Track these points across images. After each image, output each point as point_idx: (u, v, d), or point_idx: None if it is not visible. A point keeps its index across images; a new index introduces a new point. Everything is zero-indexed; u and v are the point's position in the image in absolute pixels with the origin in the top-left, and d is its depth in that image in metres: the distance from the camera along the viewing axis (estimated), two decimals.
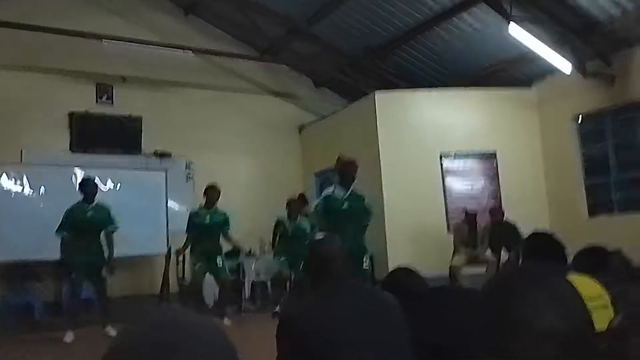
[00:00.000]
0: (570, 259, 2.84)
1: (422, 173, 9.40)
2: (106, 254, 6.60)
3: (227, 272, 7.54)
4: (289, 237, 7.76)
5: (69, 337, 6.22)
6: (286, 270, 7.82)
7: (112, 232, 6.64)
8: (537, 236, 2.76)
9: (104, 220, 6.58)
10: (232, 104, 10.91)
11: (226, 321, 6.99)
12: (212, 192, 7.20)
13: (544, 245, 2.65)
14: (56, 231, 6.40)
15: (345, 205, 5.93)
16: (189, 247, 7.28)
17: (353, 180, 6.07)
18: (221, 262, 7.30)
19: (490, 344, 0.93)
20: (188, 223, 7.21)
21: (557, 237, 2.68)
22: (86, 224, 6.44)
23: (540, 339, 0.88)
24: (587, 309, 0.94)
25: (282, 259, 7.67)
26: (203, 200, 7.30)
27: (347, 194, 5.97)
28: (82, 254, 6.35)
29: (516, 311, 0.91)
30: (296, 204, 7.89)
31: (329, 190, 6.11)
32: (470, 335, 1.16)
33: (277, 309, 7.30)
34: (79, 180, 7.15)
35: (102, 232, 6.67)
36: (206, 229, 7.12)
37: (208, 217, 7.16)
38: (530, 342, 0.88)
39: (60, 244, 6.43)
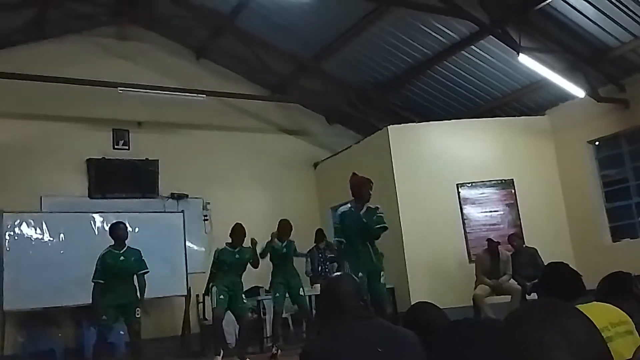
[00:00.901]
0: (594, 285, 2.79)
1: (440, 204, 9.35)
2: (139, 296, 6.61)
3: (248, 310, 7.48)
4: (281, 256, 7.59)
5: None
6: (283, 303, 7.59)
7: (144, 275, 6.68)
8: (553, 267, 2.73)
9: (136, 264, 6.62)
10: (246, 143, 11.01)
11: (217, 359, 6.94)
12: (239, 232, 7.20)
13: (560, 277, 2.61)
14: (93, 278, 6.40)
15: (362, 219, 6.02)
16: (213, 282, 7.20)
17: (369, 198, 6.10)
18: (246, 300, 7.31)
19: None
20: (215, 262, 7.18)
21: (572, 268, 2.65)
22: (120, 269, 6.47)
23: None
24: (603, 341, 0.90)
25: (277, 294, 7.46)
26: (230, 239, 7.25)
27: (364, 210, 6.08)
28: (117, 298, 6.39)
29: (531, 352, 0.88)
30: (284, 227, 7.70)
31: (345, 207, 6.20)
32: None
33: (274, 350, 7.16)
34: (100, 226, 7.20)
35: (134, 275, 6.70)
36: (233, 265, 7.12)
37: (235, 255, 7.15)
38: None
39: (93, 289, 6.42)
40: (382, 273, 6.09)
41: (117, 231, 6.65)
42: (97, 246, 6.84)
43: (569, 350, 0.87)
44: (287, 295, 7.40)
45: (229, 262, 7.11)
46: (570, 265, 2.90)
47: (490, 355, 1.11)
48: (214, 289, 7.04)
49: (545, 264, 2.80)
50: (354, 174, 6.41)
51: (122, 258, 6.53)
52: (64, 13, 9.33)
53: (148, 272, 6.69)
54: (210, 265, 7.25)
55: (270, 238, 7.42)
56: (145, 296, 6.62)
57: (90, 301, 6.44)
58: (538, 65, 8.14)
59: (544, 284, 2.80)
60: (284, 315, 8.91)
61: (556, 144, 9.80)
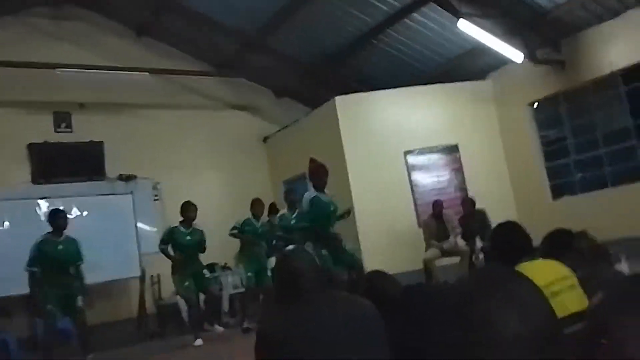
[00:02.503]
0: (538, 242, 2.93)
1: (388, 171, 9.51)
2: (79, 287, 6.45)
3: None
4: (258, 236, 7.65)
5: None
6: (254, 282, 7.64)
7: (79, 266, 6.50)
8: (502, 228, 2.84)
9: (73, 254, 6.44)
10: (195, 121, 10.86)
11: (217, 328, 7.02)
12: (190, 210, 7.09)
13: (509, 236, 2.73)
14: (27, 266, 6.20)
15: (331, 207, 6.21)
16: (171, 265, 7.11)
17: (325, 185, 6.20)
18: (208, 274, 7.32)
19: (460, 350, 0.97)
20: (165, 240, 7.06)
21: (521, 227, 2.76)
22: (57, 257, 6.29)
23: (506, 344, 0.91)
24: (546, 300, 0.97)
25: (249, 274, 7.49)
26: (181, 218, 7.17)
27: (328, 196, 6.27)
28: (56, 287, 6.20)
29: (480, 319, 0.94)
30: (258, 205, 7.76)
31: (312, 193, 6.23)
32: (442, 339, 1.19)
33: (246, 324, 7.22)
34: (46, 211, 6.98)
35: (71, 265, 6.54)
36: (187, 248, 7.03)
37: (188, 236, 7.06)
38: (497, 348, 0.91)
39: (30, 278, 6.25)
40: (343, 243, 6.29)
41: (58, 220, 6.40)
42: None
43: (516, 313, 0.93)
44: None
45: (180, 243, 7.01)
46: (515, 222, 3.02)
47: (444, 324, 1.16)
48: (175, 276, 6.98)
49: (496, 225, 2.92)
50: (312, 159, 6.46)
51: (60, 247, 6.32)
52: None
53: (82, 263, 6.50)
54: (159, 244, 7.14)
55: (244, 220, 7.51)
56: (94, 281, 6.50)
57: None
58: (477, 30, 8.28)
59: (494, 244, 2.91)
60: (232, 292, 8.98)
61: (498, 107, 10.07)
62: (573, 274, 2.48)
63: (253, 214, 7.61)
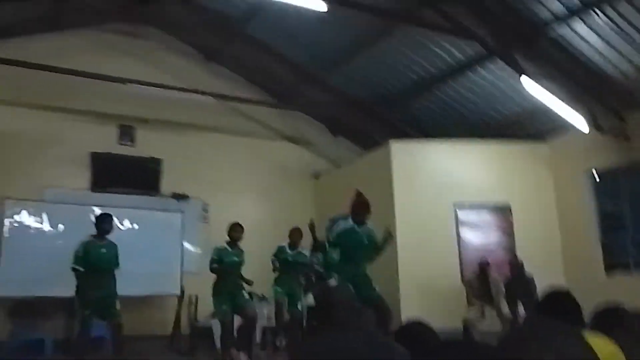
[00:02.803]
0: (586, 317, 2.83)
1: (436, 223, 9.40)
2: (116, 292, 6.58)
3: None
4: (289, 265, 7.66)
5: None
6: (282, 303, 7.67)
7: (114, 270, 6.64)
8: (554, 294, 2.73)
9: (114, 259, 6.60)
10: (249, 148, 11.07)
11: (242, 357, 6.92)
12: (237, 231, 7.19)
13: (560, 304, 2.63)
14: (72, 264, 6.32)
15: (365, 240, 6.05)
16: (212, 286, 7.16)
17: (364, 223, 6.13)
18: (247, 295, 7.34)
19: None
20: (216, 260, 7.09)
21: (573, 297, 2.66)
22: (101, 260, 6.43)
23: None
24: None
25: (279, 290, 7.56)
26: (228, 238, 7.23)
27: (365, 229, 6.11)
28: (97, 291, 6.33)
29: None
30: (297, 234, 7.82)
31: (345, 224, 6.12)
32: None
33: (277, 342, 7.24)
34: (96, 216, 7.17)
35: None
36: (233, 267, 7.10)
37: (235, 257, 7.16)
38: None
39: (78, 277, 6.36)
40: (372, 281, 6.09)
41: (105, 224, 6.55)
42: None
43: None
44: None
45: (228, 262, 7.07)
46: (567, 291, 2.90)
47: None
48: (214, 298, 7.02)
49: (547, 288, 2.79)
50: (359, 192, 6.32)
51: (103, 250, 6.46)
52: (77, 6, 9.40)
53: (118, 268, 6.62)
54: (210, 263, 7.15)
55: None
56: (133, 293, 6.58)
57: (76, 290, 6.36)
58: (540, 90, 8.16)
59: (541, 308, 2.80)
60: (265, 324, 8.95)
61: (554, 172, 9.86)
62: (620, 353, 2.38)
63: (290, 243, 7.67)
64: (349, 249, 6.03)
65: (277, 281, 7.76)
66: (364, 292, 5.86)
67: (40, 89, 9.19)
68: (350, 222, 6.11)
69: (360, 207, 6.17)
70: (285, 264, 7.66)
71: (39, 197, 8.95)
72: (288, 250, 7.73)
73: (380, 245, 6.20)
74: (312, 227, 7.35)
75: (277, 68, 10.25)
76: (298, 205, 11.19)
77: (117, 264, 6.62)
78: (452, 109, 10.35)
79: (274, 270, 7.73)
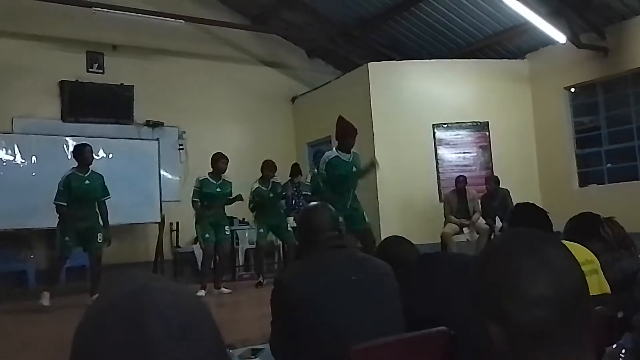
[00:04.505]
0: (560, 228, 2.89)
1: (415, 143, 9.42)
2: (102, 222, 6.56)
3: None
4: (268, 200, 7.64)
5: (45, 299, 6.14)
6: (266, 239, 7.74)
7: (105, 201, 6.60)
8: (522, 206, 2.80)
9: (99, 189, 6.53)
10: (225, 73, 10.81)
11: (225, 290, 7.04)
12: (221, 162, 7.08)
13: (529, 215, 2.69)
14: (55, 200, 6.27)
15: (353, 168, 6.08)
16: (196, 219, 7.15)
17: (351, 145, 6.12)
18: (229, 231, 7.33)
19: (481, 310, 0.95)
20: (197, 191, 7.05)
21: (541, 208, 2.72)
22: (84, 192, 6.36)
23: (533, 305, 0.89)
24: (581, 271, 0.94)
25: (261, 230, 7.58)
26: (208, 170, 7.17)
27: (352, 157, 6.14)
28: (78, 221, 6.30)
29: (507, 278, 0.92)
30: (269, 166, 7.73)
31: (332, 153, 6.14)
32: (461, 302, 1.17)
33: (260, 279, 7.33)
34: (73, 147, 7.04)
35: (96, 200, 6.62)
36: (216, 199, 7.06)
37: (218, 188, 7.07)
38: (523, 308, 0.89)
39: (58, 211, 6.32)
40: (363, 212, 6.24)
41: (84, 154, 6.43)
42: None
43: (547, 277, 0.90)
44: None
45: (211, 194, 7.02)
46: (535, 204, 2.98)
47: (462, 286, 1.14)
48: (198, 226, 7.03)
49: (515, 204, 2.88)
50: (341, 117, 6.26)
51: (87, 182, 6.38)
52: None
53: (110, 197, 6.59)
54: (191, 194, 7.14)
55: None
56: (114, 222, 6.57)
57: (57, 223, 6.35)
58: (522, 6, 8.05)
59: (512, 223, 2.88)
60: (248, 247, 9.07)
61: (533, 88, 9.87)
62: (595, 259, 2.44)
63: (262, 177, 7.59)
64: (337, 179, 6.05)
65: (257, 218, 7.68)
66: (355, 225, 5.96)
67: (3, 15, 8.77)
68: (335, 152, 6.10)
69: (346, 132, 6.12)
70: (262, 202, 7.56)
71: (8, 128, 8.74)
72: (262, 188, 7.58)
73: (361, 172, 6.24)
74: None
75: None
76: (276, 129, 11.12)
77: (104, 194, 6.55)
78: (431, 29, 10.13)
79: (251, 209, 7.68)
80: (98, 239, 6.42)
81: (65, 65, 9.37)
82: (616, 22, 8.59)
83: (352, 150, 6.20)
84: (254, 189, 7.52)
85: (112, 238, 6.71)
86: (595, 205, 4.26)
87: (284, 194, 8.07)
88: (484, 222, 8.28)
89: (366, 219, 6.29)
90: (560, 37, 8.53)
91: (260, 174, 7.64)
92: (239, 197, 7.28)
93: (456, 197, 8.52)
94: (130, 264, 8.74)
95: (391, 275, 2.19)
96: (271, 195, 7.58)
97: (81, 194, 6.33)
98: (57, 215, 6.33)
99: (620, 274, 2.53)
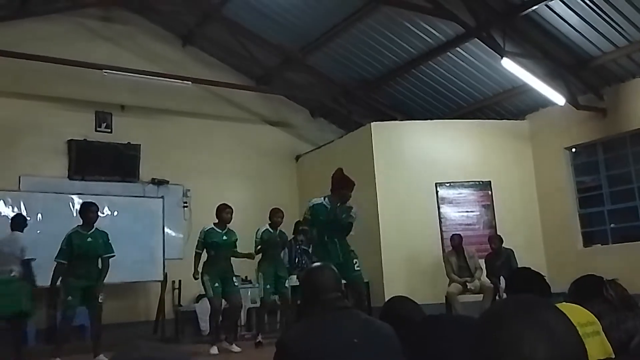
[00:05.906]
0: (565, 288, 2.89)
1: (418, 202, 9.46)
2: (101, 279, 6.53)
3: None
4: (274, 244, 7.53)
5: None
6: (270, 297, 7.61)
7: (109, 259, 6.60)
8: (519, 272, 2.82)
9: (103, 247, 6.54)
10: (230, 132, 10.99)
11: (236, 348, 6.86)
12: (226, 212, 7.06)
13: (527, 280, 2.71)
14: (56, 258, 6.30)
15: (334, 216, 6.10)
16: (202, 266, 7.03)
17: (345, 198, 6.14)
18: (237, 283, 7.24)
19: None
20: (201, 242, 7.00)
21: (540, 274, 2.74)
22: (86, 250, 6.39)
23: None
24: (579, 336, 0.96)
25: (267, 286, 7.43)
26: (214, 221, 7.14)
27: (340, 208, 6.14)
28: (81, 279, 6.30)
29: (507, 345, 0.94)
30: (277, 214, 7.69)
31: (318, 200, 6.21)
32: None
33: (260, 338, 7.20)
34: (79, 205, 7.09)
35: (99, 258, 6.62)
36: (222, 248, 6.99)
37: (224, 236, 7.02)
38: None
39: (55, 269, 6.34)
40: (355, 261, 6.18)
41: (89, 213, 6.48)
42: None
43: (548, 344, 0.92)
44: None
45: (217, 243, 6.96)
46: (532, 269, 2.99)
47: (466, 350, 1.16)
48: (206, 277, 6.86)
49: (514, 269, 2.91)
50: (340, 169, 6.32)
51: (89, 239, 6.41)
52: None
53: (114, 256, 6.57)
54: (195, 246, 7.08)
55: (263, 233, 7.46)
56: (116, 280, 6.52)
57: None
58: (520, 70, 8.27)
59: (511, 289, 2.87)
60: (250, 306, 8.94)
61: (534, 148, 9.98)
62: (597, 321, 2.43)
63: (271, 224, 7.53)
64: (322, 226, 6.10)
65: (260, 266, 7.55)
66: (346, 274, 5.90)
67: (14, 76, 9.02)
68: (322, 199, 6.15)
69: (340, 182, 6.16)
70: (267, 245, 7.51)
71: (15, 186, 8.83)
72: (270, 230, 7.52)
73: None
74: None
75: (256, 51, 10.15)
76: (280, 187, 11.18)
77: (107, 252, 6.54)
78: (432, 90, 10.36)
79: (257, 252, 7.61)
80: (99, 299, 6.40)
81: (74, 124, 9.57)
82: (613, 84, 8.79)
83: (348, 203, 6.18)
84: (261, 231, 7.43)
85: (114, 295, 6.68)
86: (599, 265, 4.27)
87: (285, 249, 8.04)
88: (489, 281, 8.22)
89: (358, 269, 6.21)
90: (558, 98, 8.71)
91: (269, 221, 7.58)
92: (249, 255, 7.22)
93: (455, 256, 8.51)
94: (131, 323, 8.66)
95: (394, 337, 2.19)
96: (278, 239, 7.50)
97: (83, 251, 6.35)
98: (54, 273, 6.32)
99: (625, 335, 2.51)
